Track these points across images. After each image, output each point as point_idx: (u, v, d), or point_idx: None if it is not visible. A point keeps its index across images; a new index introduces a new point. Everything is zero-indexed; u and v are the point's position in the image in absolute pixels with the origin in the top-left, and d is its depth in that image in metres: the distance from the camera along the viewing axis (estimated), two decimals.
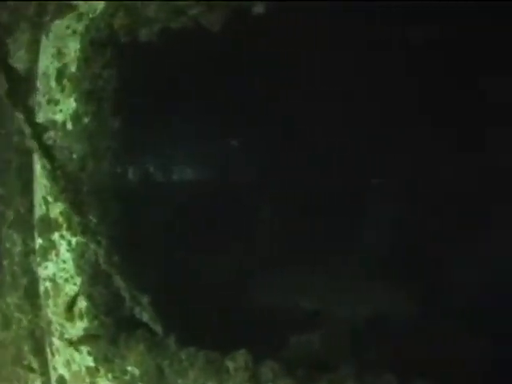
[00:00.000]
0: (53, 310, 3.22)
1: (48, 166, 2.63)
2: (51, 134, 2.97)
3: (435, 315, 3.45)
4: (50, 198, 3.00)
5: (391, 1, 3.17)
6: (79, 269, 2.96)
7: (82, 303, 3.02)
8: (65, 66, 3.03)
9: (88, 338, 2.97)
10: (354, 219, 4.31)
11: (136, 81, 3.02)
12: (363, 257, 4.01)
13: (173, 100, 3.86)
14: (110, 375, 3.04)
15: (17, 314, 3.44)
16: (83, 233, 2.64)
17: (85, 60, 2.94)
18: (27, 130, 2.73)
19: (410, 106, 4.07)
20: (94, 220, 2.71)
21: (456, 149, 4.08)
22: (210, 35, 2.52)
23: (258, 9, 2.36)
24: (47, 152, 2.65)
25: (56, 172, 2.61)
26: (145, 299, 2.75)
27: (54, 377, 3.37)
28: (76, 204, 2.62)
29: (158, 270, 3.13)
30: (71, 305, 2.93)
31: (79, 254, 2.93)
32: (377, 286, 3.77)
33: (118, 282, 2.71)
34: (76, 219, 2.63)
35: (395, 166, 4.16)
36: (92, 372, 3.14)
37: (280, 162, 4.38)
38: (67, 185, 2.64)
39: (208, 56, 3.57)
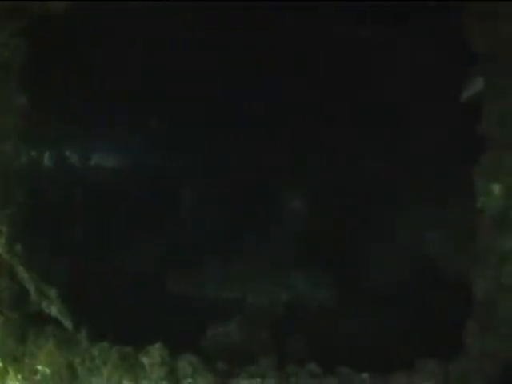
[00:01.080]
0: None
1: None
2: None
3: (352, 302, 3.48)
4: None
5: None
6: None
7: None
8: None
9: None
10: (271, 209, 4.26)
11: (48, 54, 2.78)
12: (280, 246, 3.96)
13: (87, 77, 3.61)
14: (19, 376, 2.81)
15: None
16: None
17: None
18: None
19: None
20: None
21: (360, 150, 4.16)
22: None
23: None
24: None
25: None
26: (53, 292, 2.54)
27: None
28: None
29: (66, 261, 2.90)
30: None
31: None
32: (294, 273, 3.74)
33: (22, 273, 2.48)
34: None
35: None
36: (1, 373, 2.89)
37: (200, 151, 4.25)
38: None
39: (126, 32, 3.36)
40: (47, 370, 2.70)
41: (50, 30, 2.69)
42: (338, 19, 3.63)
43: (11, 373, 2.85)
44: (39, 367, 2.72)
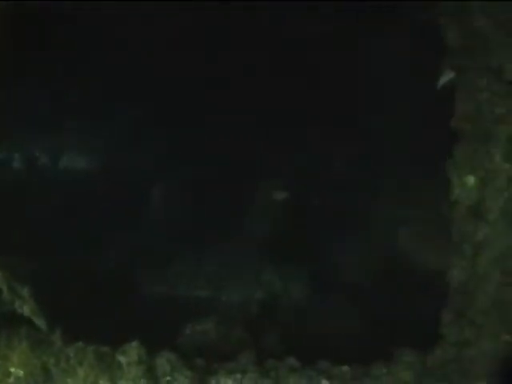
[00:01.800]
0: None
1: None
2: None
3: (328, 297, 3.50)
4: None
5: None
6: None
7: None
8: None
9: None
10: (245, 206, 4.25)
11: (23, 50, 2.70)
12: (253, 243, 3.96)
13: (64, 73, 3.53)
14: None
15: None
16: None
17: None
18: None
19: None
20: None
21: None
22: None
23: None
24: None
25: None
26: (25, 291, 2.46)
27: None
28: None
29: (39, 260, 2.83)
30: None
31: None
32: (268, 270, 3.73)
33: None
34: None
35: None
36: None
37: (170, 150, 4.22)
38: None
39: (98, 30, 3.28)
40: (21, 372, 2.63)
41: (21, 26, 2.61)
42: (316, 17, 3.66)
43: None
44: (12, 369, 2.65)
